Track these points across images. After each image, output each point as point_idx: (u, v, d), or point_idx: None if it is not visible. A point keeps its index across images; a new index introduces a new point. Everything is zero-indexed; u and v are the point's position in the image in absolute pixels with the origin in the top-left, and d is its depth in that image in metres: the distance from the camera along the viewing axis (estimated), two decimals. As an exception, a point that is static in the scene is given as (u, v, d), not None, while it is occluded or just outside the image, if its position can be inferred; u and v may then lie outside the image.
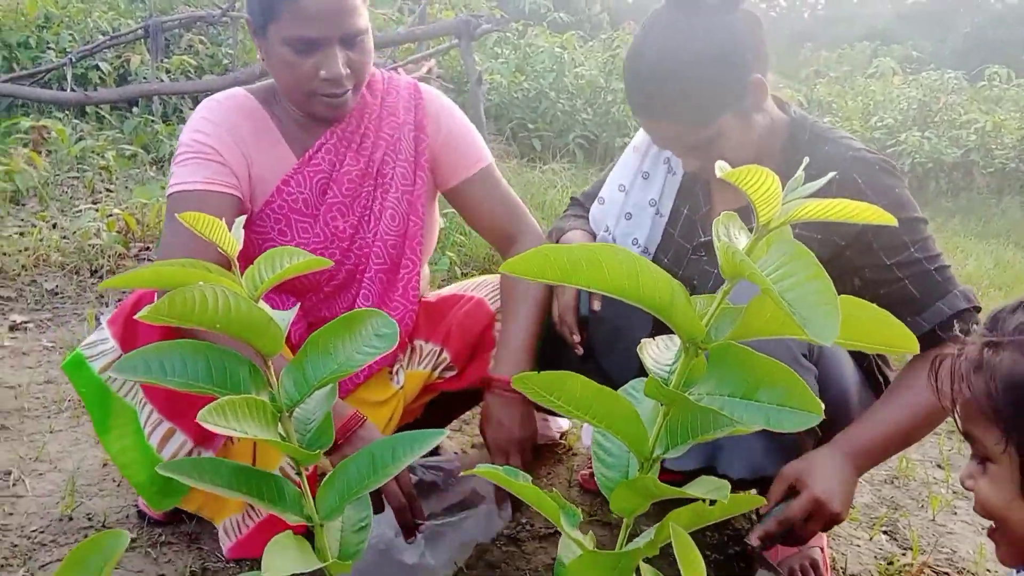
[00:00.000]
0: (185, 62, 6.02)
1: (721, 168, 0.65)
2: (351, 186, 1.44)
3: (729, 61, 1.25)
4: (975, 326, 1.29)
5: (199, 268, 0.82)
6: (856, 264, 1.33)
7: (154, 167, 4.78)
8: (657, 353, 0.82)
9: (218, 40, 6.82)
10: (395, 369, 1.55)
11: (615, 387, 1.52)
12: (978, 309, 1.32)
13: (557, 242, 1.59)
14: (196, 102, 5.97)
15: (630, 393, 0.88)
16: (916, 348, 0.69)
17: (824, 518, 1.22)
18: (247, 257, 1.42)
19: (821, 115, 9.03)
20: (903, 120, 8.94)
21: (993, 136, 8.44)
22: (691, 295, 1.45)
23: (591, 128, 7.63)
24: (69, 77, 5.07)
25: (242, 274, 0.86)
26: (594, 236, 1.57)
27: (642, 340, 0.83)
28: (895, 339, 0.68)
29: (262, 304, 0.87)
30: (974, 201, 7.84)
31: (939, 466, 2.08)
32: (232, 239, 0.84)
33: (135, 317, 0.74)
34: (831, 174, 0.68)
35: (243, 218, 0.89)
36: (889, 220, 0.66)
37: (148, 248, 3.38)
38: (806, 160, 0.72)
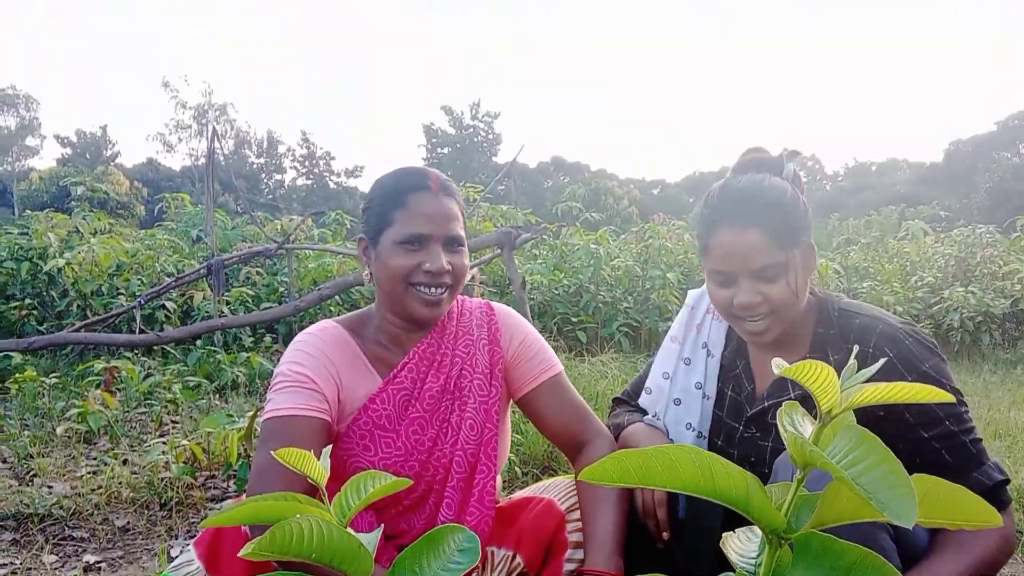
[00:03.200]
0: (244, 293, 6.40)
1: (778, 365, 0.69)
2: (432, 401, 1.52)
3: (805, 209, 1.42)
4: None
5: (291, 500, 0.86)
6: (892, 437, 1.32)
7: (217, 395, 4.95)
8: (740, 546, 0.82)
9: (273, 270, 7.27)
10: None
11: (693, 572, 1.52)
12: (1007, 481, 1.33)
13: (618, 437, 1.63)
14: (255, 330, 6.28)
15: (717, 589, 0.87)
16: (998, 520, 0.69)
17: None
18: (334, 472, 1.49)
19: (860, 280, 9.11)
20: (943, 277, 8.97)
21: (1039, 284, 8.38)
22: (750, 472, 1.48)
23: (633, 316, 7.78)
24: (138, 318, 5.40)
25: (327, 493, 0.91)
26: (654, 427, 1.61)
27: (724, 534, 0.84)
28: (975, 514, 0.69)
29: (350, 530, 0.91)
30: (1034, 350, 7.67)
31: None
32: (321, 468, 0.89)
33: (239, 555, 0.78)
34: (882, 360, 0.71)
35: (330, 448, 0.95)
36: (946, 397, 0.68)
37: (214, 476, 3.44)
38: (856, 348, 0.76)
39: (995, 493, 1.30)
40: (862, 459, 0.65)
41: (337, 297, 6.08)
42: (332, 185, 43.89)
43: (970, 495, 0.70)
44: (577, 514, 1.53)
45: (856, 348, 0.77)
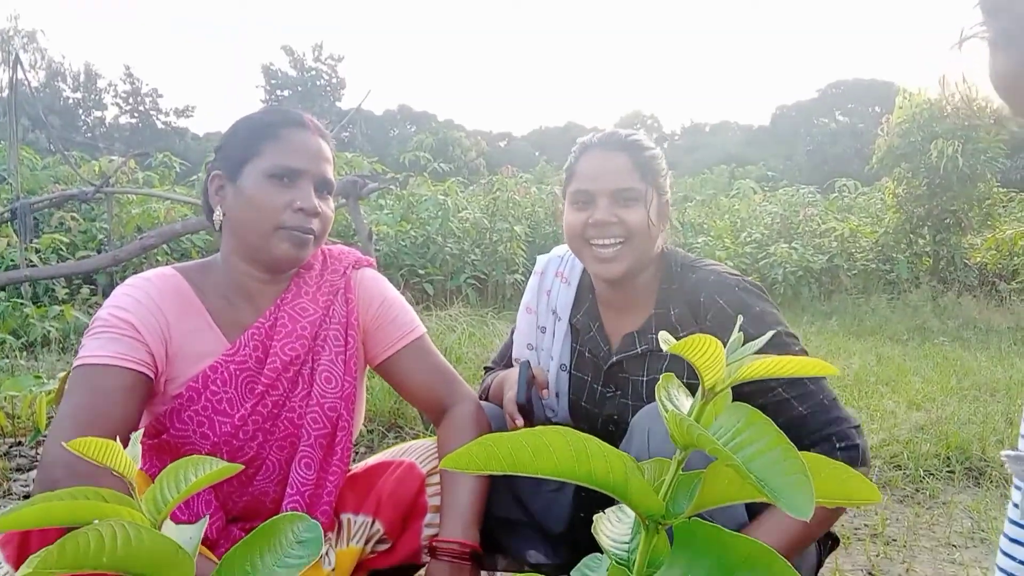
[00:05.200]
0: (56, 240, 5.80)
1: (665, 340, 0.63)
2: (286, 362, 1.38)
3: (664, 163, 1.52)
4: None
5: (93, 498, 0.72)
6: (744, 390, 1.35)
7: (26, 353, 4.48)
8: (612, 529, 0.76)
9: (91, 215, 6.64)
10: (324, 551, 1.43)
11: (547, 530, 1.51)
12: (859, 427, 1.35)
13: (489, 395, 1.62)
14: (70, 281, 5.72)
15: (584, 575, 0.81)
16: (878, 497, 0.66)
17: None
18: (164, 440, 1.34)
19: (695, 235, 9.54)
20: (769, 234, 9.56)
21: (852, 241, 9.11)
22: (615, 431, 1.50)
23: (480, 268, 7.77)
24: (-73, 267, 4.77)
25: (142, 479, 0.77)
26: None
27: (595, 515, 0.78)
28: (856, 492, 0.66)
29: (168, 527, 0.77)
30: (845, 302, 8.34)
31: (870, 573, 2.07)
32: (129, 460, 0.74)
33: None
34: (770, 333, 0.67)
35: (139, 433, 0.80)
36: (830, 371, 0.64)
37: (20, 443, 3.11)
38: (740, 319, 0.71)
39: (852, 450, 1.32)
40: (751, 442, 0.59)
41: (166, 247, 5.65)
42: (160, 125, 40.81)
43: (852, 473, 0.66)
44: (438, 477, 1.46)
45: (741, 320, 0.72)
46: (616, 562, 0.73)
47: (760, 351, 1.39)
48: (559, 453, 0.65)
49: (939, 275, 8.74)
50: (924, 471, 2.83)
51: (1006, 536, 0.92)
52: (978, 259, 8.93)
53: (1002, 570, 0.91)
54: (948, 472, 2.86)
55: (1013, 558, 0.90)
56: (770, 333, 0.68)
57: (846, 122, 37.27)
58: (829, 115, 40.32)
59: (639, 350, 1.49)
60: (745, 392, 1.33)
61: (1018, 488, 0.89)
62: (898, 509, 2.56)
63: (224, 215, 1.37)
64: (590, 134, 1.54)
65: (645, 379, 1.49)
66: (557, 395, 1.60)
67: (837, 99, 41.04)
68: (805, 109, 41.45)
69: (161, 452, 1.39)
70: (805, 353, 1.36)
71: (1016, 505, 0.89)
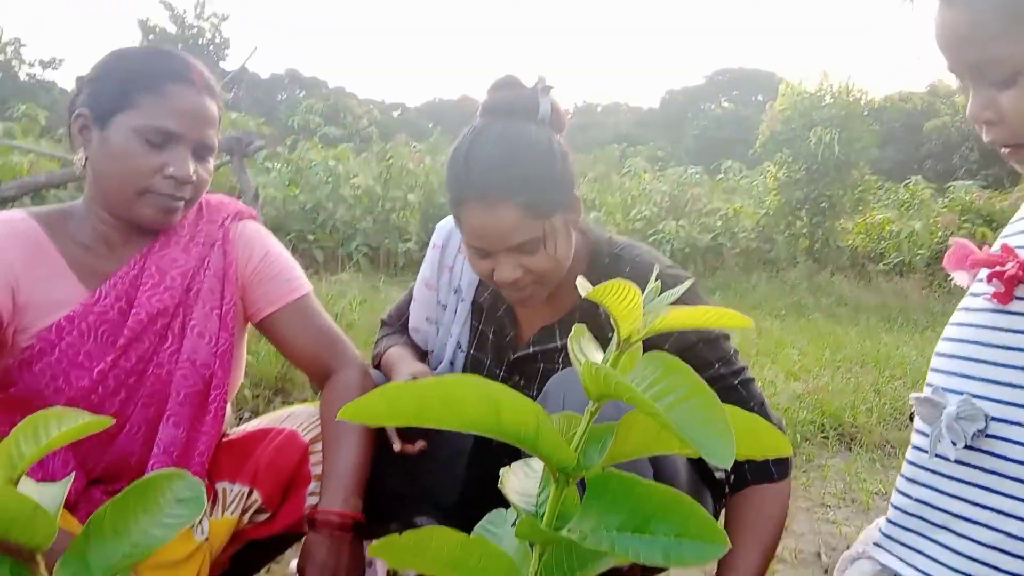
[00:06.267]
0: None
1: (583, 287, 0.60)
2: (151, 316, 1.29)
3: (565, 160, 1.29)
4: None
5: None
6: None
7: None
8: (520, 484, 0.73)
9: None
10: (198, 518, 1.35)
11: (438, 502, 1.46)
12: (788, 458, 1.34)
13: (379, 364, 1.52)
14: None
15: (487, 530, 0.78)
16: (789, 450, 0.66)
17: None
18: (14, 394, 1.24)
19: (588, 211, 9.68)
20: (658, 211, 9.82)
21: (735, 221, 9.47)
22: None
23: (372, 236, 7.62)
24: None
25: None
26: (415, 348, 1.54)
27: (501, 469, 0.75)
28: (768, 445, 0.65)
29: (26, 484, 0.70)
30: (728, 278, 8.68)
31: None
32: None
33: None
34: (688, 282, 0.65)
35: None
36: (746, 323, 0.64)
37: None
38: (657, 269, 0.69)
39: (781, 461, 1.30)
40: (670, 390, 0.57)
41: (27, 202, 5.25)
42: (24, 76, 37.88)
43: (763, 423, 0.66)
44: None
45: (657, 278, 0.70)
46: (525, 516, 0.70)
47: (697, 354, 1.34)
48: (468, 403, 0.61)
49: (814, 255, 9.20)
50: (801, 437, 2.97)
51: (903, 476, 0.95)
52: (850, 241, 9.46)
53: (896, 507, 0.95)
54: (823, 438, 3.01)
55: (908, 496, 0.94)
56: (689, 282, 0.66)
57: (731, 108, 38.65)
58: (715, 101, 41.68)
59: (558, 344, 1.37)
60: None
61: (920, 431, 0.93)
62: (776, 473, 2.67)
63: (87, 159, 1.26)
64: (463, 148, 1.27)
65: (562, 368, 1.37)
66: (451, 364, 1.50)
67: (723, 86, 42.48)
68: (692, 94, 42.72)
69: (10, 407, 1.29)
70: (741, 367, 1.33)
71: (918, 447, 0.93)
